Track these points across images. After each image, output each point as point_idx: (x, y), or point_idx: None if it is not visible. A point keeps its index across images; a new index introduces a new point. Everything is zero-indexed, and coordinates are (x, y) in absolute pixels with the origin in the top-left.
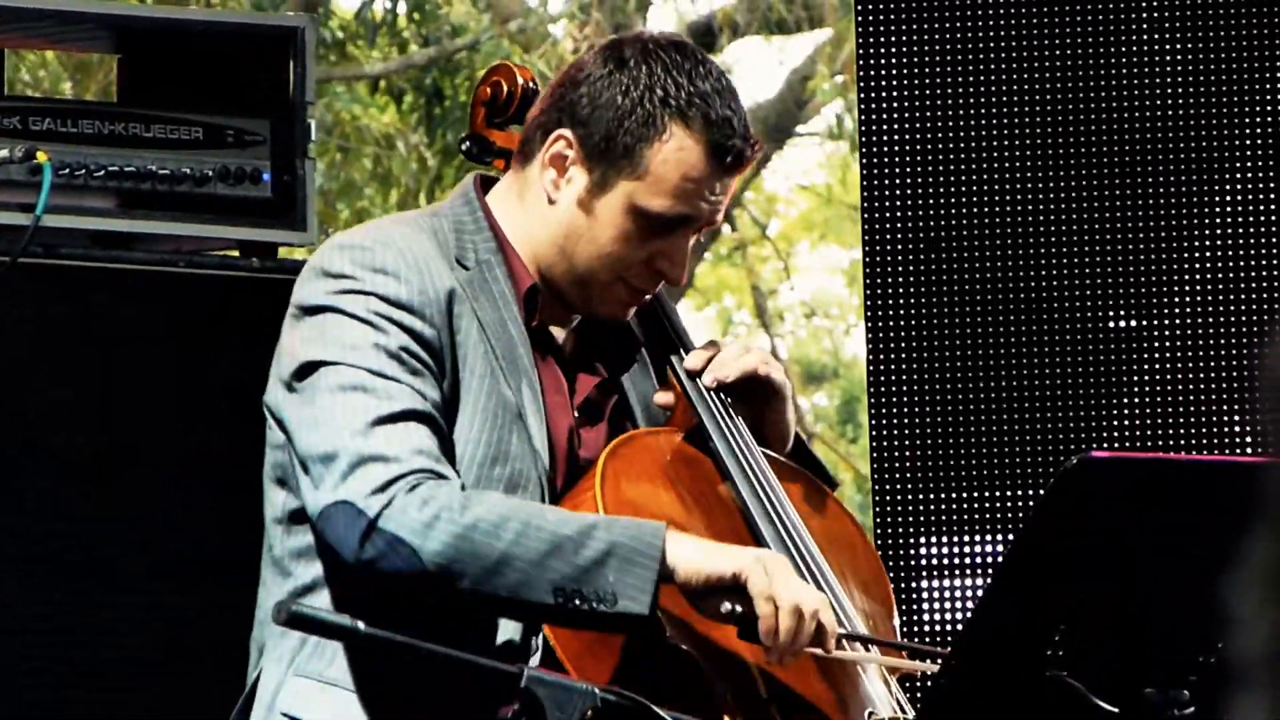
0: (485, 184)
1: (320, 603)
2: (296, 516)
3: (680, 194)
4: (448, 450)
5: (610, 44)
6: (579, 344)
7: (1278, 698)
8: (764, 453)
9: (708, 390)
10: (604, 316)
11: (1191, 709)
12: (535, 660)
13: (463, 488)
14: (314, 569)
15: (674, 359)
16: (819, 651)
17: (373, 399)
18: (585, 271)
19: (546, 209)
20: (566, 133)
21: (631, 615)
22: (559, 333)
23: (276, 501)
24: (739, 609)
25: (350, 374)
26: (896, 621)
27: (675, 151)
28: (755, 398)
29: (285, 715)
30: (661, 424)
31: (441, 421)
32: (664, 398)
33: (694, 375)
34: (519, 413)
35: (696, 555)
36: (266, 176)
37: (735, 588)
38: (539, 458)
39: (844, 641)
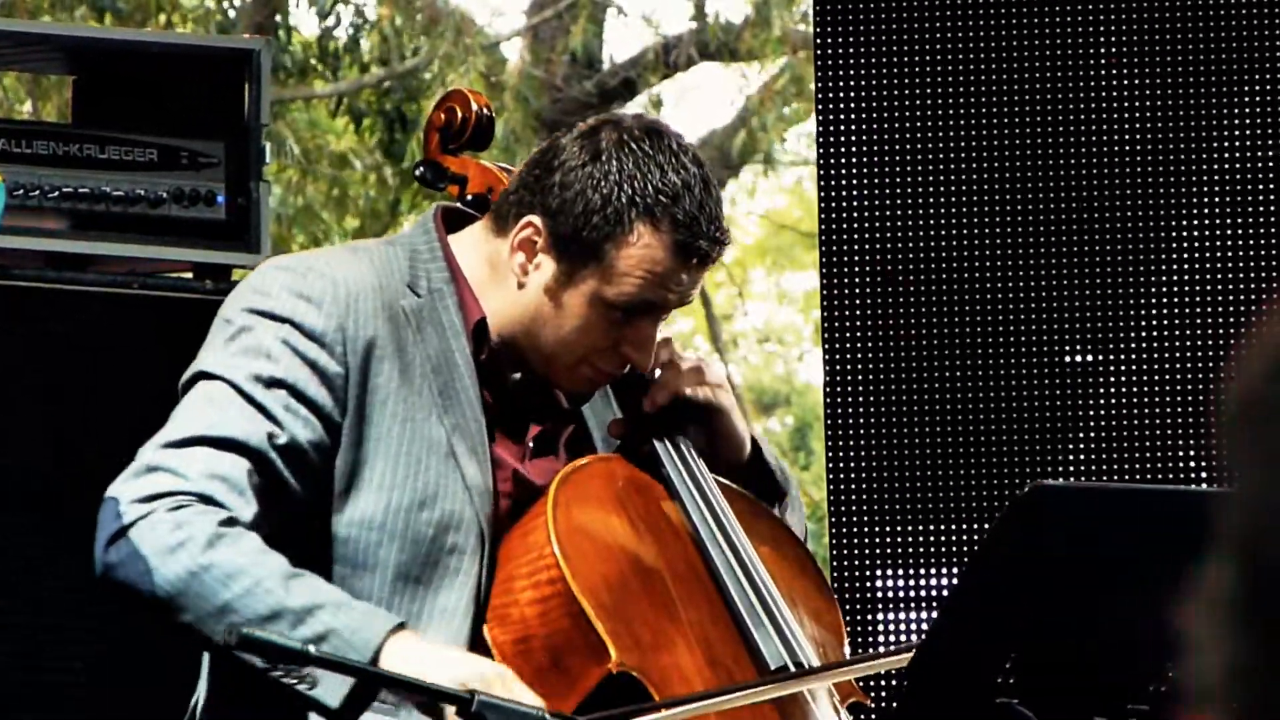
0: (447, 215)
1: None
2: None
3: (645, 286)
4: (269, 491)
5: (589, 130)
6: (535, 377)
7: None
8: (716, 479)
9: (658, 416)
10: (569, 392)
11: None
12: None
13: (235, 520)
14: None
15: (624, 383)
16: None
17: (210, 417)
18: (550, 354)
19: (515, 289)
20: (536, 220)
21: (322, 704)
22: (512, 362)
23: None
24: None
25: (216, 388)
26: (847, 649)
27: (641, 249)
28: (697, 417)
29: None
30: (610, 448)
31: (277, 462)
32: (618, 427)
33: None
34: (450, 451)
35: (408, 664)
36: (221, 199)
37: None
38: (474, 495)
39: None
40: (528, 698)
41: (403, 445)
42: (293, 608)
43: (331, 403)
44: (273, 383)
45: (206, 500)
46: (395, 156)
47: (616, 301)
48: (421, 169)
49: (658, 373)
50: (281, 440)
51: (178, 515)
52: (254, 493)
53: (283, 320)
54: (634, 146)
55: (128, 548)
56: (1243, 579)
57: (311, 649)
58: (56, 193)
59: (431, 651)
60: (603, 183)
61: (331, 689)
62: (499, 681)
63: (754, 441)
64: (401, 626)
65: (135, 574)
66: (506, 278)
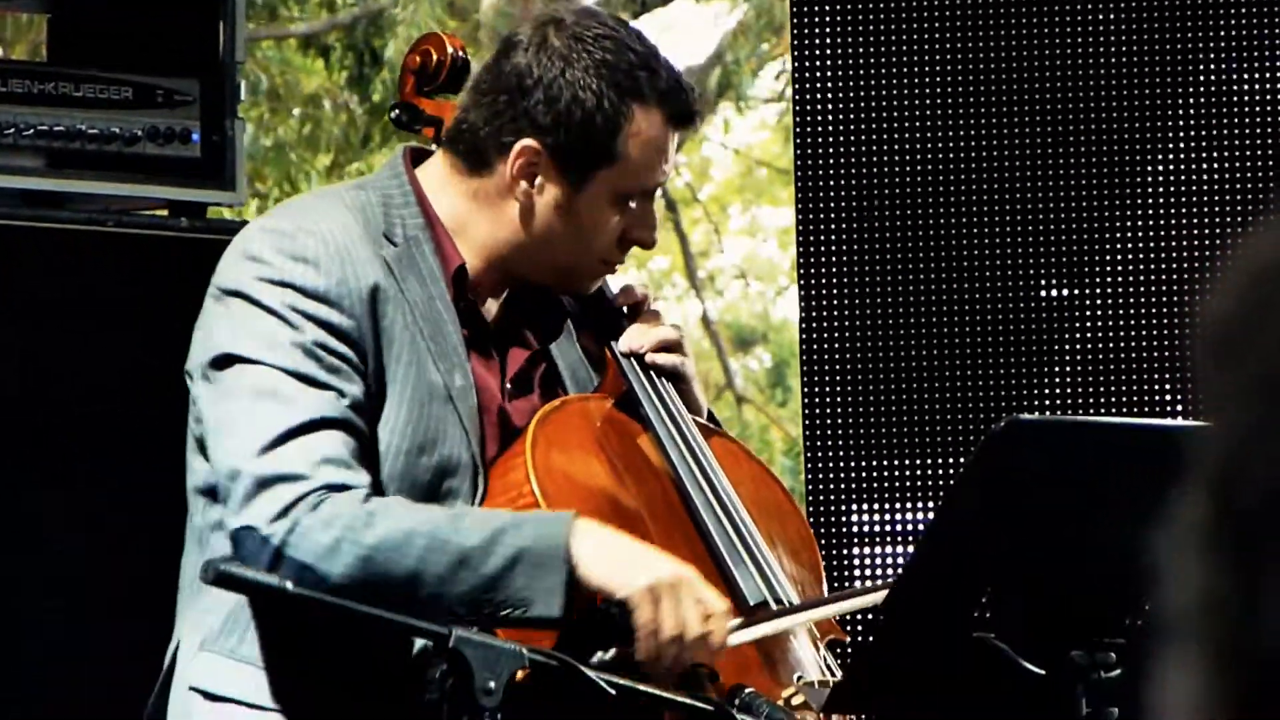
0: (416, 156)
1: None
2: (214, 491)
3: (653, 166)
4: (365, 448)
5: (535, 40)
6: (507, 316)
7: (1201, 654)
8: (695, 419)
9: (638, 357)
10: (580, 293)
11: (1118, 670)
12: None
13: (369, 494)
14: (229, 544)
15: (602, 324)
16: (704, 661)
17: (282, 408)
18: (566, 264)
19: (518, 218)
20: (531, 143)
21: (547, 619)
22: (490, 306)
23: (198, 471)
24: (621, 618)
25: (264, 376)
26: (825, 587)
27: (643, 131)
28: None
29: (194, 689)
30: (590, 391)
31: (357, 420)
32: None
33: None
34: (448, 395)
35: (598, 562)
36: (196, 136)
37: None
38: (470, 439)
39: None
40: (710, 597)
41: (407, 389)
42: (475, 545)
43: (356, 356)
44: (307, 352)
45: (333, 488)
46: (364, 91)
47: (633, 191)
48: (397, 112)
49: (653, 319)
50: (348, 400)
51: (321, 513)
52: (358, 460)
53: (284, 285)
54: (589, 37)
55: (289, 567)
56: (1216, 510)
57: (288, 585)
58: (31, 131)
59: (614, 553)
60: (587, 81)
61: (547, 603)
62: (669, 591)
63: (710, 416)
64: (575, 516)
65: (309, 587)
66: (500, 209)
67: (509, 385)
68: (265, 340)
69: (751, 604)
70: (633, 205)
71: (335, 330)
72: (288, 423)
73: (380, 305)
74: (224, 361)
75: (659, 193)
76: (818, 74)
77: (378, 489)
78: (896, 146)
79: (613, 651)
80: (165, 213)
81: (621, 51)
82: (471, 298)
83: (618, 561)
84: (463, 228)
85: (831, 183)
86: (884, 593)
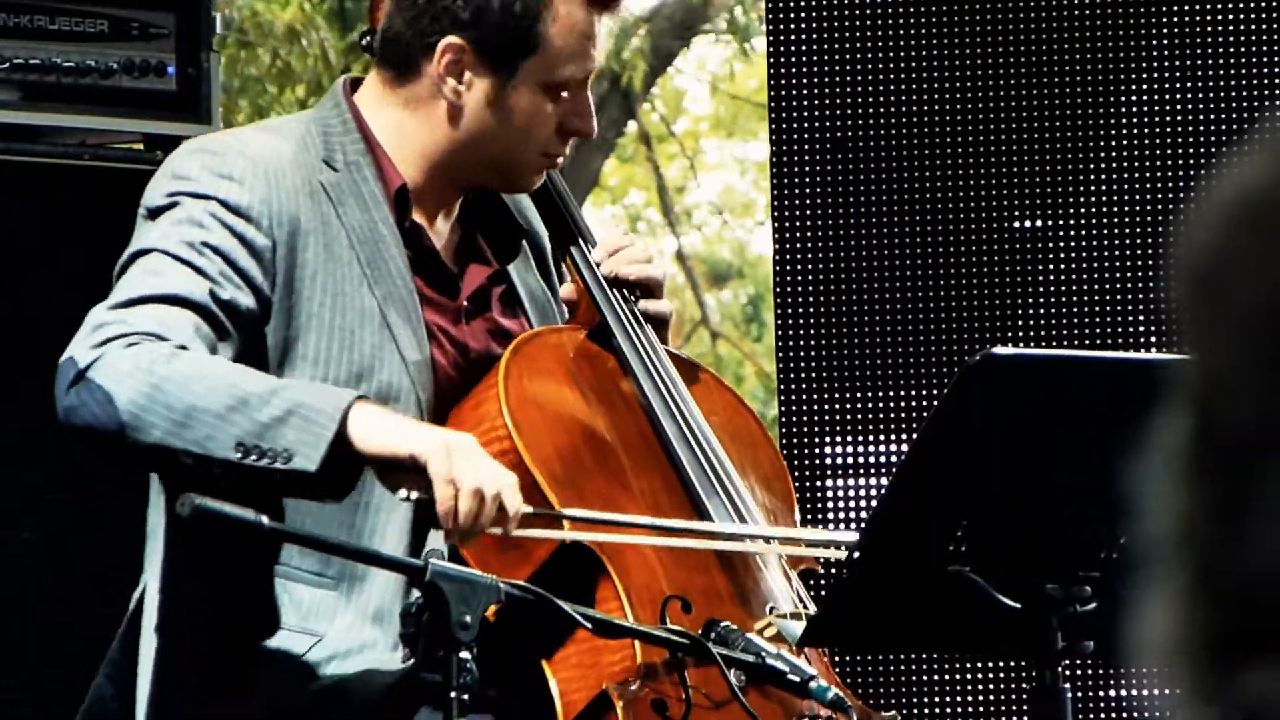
0: (355, 85)
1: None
2: None
3: (580, 53)
4: (219, 342)
5: None
6: (463, 234)
7: (1181, 580)
8: (667, 350)
9: (611, 287)
10: (524, 190)
11: (1093, 603)
12: None
13: (182, 348)
14: None
15: (574, 251)
16: (498, 531)
17: (152, 280)
18: (505, 159)
19: (445, 121)
20: (454, 40)
21: (303, 472)
22: (441, 227)
23: None
24: (415, 493)
25: (152, 259)
26: (798, 517)
27: (565, 16)
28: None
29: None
30: (549, 315)
31: (223, 317)
32: (568, 291)
33: (596, 269)
34: (384, 321)
35: (379, 429)
36: (171, 70)
37: (416, 468)
38: (409, 365)
39: (534, 521)
40: (486, 464)
41: (335, 319)
42: (256, 391)
43: (261, 275)
44: (206, 247)
45: (154, 337)
46: (347, 24)
47: (561, 78)
48: (367, 38)
49: (616, 244)
50: (224, 296)
51: (134, 349)
52: (203, 343)
53: (207, 197)
54: None
55: (86, 388)
56: (1198, 439)
57: (264, 520)
58: (6, 64)
59: (397, 420)
60: None
61: (308, 456)
62: (460, 445)
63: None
64: (362, 398)
65: (96, 406)
66: (432, 111)
67: (466, 304)
68: (169, 234)
69: (696, 527)
70: (565, 95)
71: (248, 244)
72: (148, 290)
73: (300, 236)
74: (130, 260)
75: (591, 80)
76: (792, 7)
77: None
78: (872, 79)
79: (413, 494)
80: (141, 146)
81: None
82: (417, 220)
83: (399, 427)
84: (401, 142)
85: (806, 116)
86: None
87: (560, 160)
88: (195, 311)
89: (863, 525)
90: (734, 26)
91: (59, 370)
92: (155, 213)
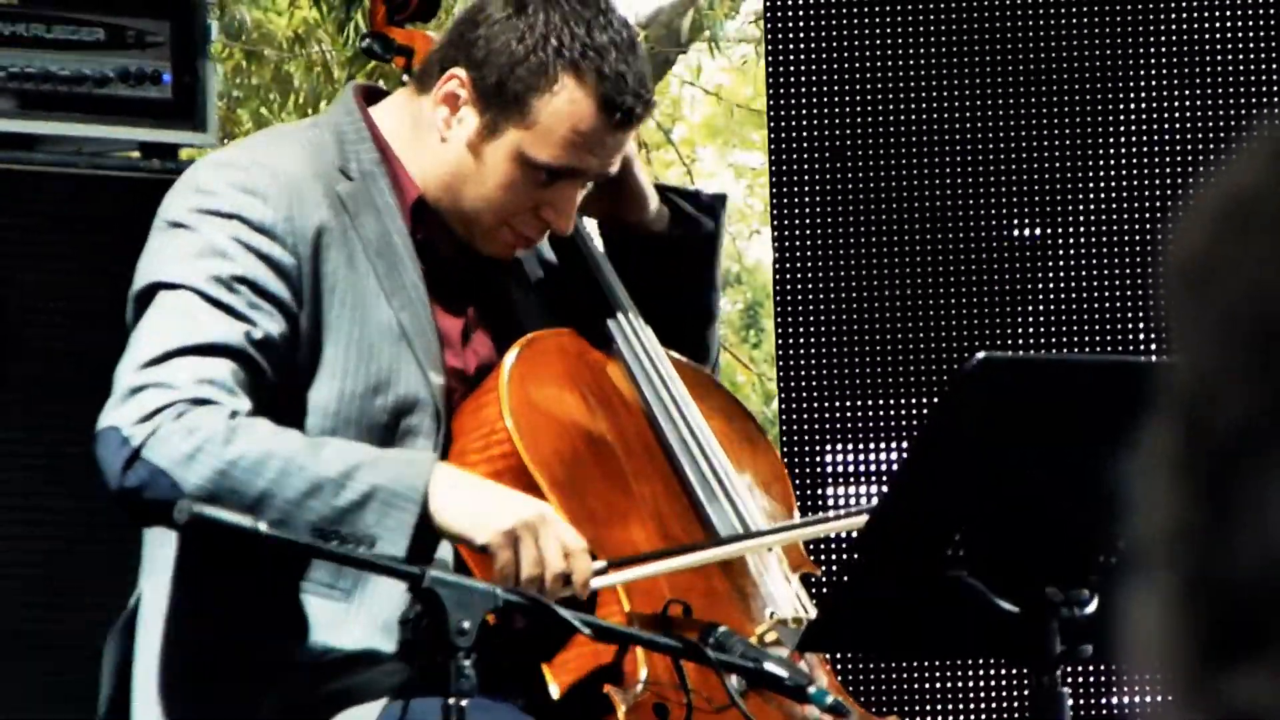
0: (367, 94)
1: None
2: None
3: (568, 146)
4: (261, 384)
5: None
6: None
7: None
8: (669, 354)
9: (611, 290)
10: (488, 255)
11: (1092, 607)
12: None
13: (236, 414)
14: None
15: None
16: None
17: (185, 327)
18: (471, 212)
19: (438, 145)
20: (461, 73)
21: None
22: (450, 238)
23: None
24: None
25: (181, 298)
26: (796, 519)
27: (566, 104)
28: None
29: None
30: (554, 323)
31: (259, 357)
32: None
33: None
34: (401, 334)
35: (456, 510)
36: (167, 78)
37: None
38: (428, 376)
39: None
40: (570, 536)
41: (354, 332)
42: (330, 476)
43: (289, 294)
44: (234, 281)
45: (204, 403)
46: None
47: (540, 161)
48: (368, 41)
49: None
50: (257, 335)
51: (184, 422)
52: (244, 390)
53: (230, 216)
54: (562, 2)
55: (145, 469)
56: (1187, 441)
57: (261, 526)
58: (3, 73)
59: (474, 494)
60: (528, 35)
61: (393, 542)
62: (528, 533)
63: (657, 184)
64: (436, 462)
65: (162, 492)
66: (430, 134)
67: (469, 318)
68: (195, 268)
69: (724, 537)
70: (545, 179)
71: (274, 265)
72: (184, 341)
73: (323, 248)
74: (152, 290)
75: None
76: (790, 15)
77: (330, 434)
78: (871, 88)
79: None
80: (137, 154)
81: (584, 27)
82: (430, 231)
83: (475, 508)
84: (412, 154)
85: (804, 124)
86: (853, 519)
87: (531, 243)
88: (233, 359)
89: (862, 529)
90: (698, 28)
91: (100, 439)
92: (175, 225)
